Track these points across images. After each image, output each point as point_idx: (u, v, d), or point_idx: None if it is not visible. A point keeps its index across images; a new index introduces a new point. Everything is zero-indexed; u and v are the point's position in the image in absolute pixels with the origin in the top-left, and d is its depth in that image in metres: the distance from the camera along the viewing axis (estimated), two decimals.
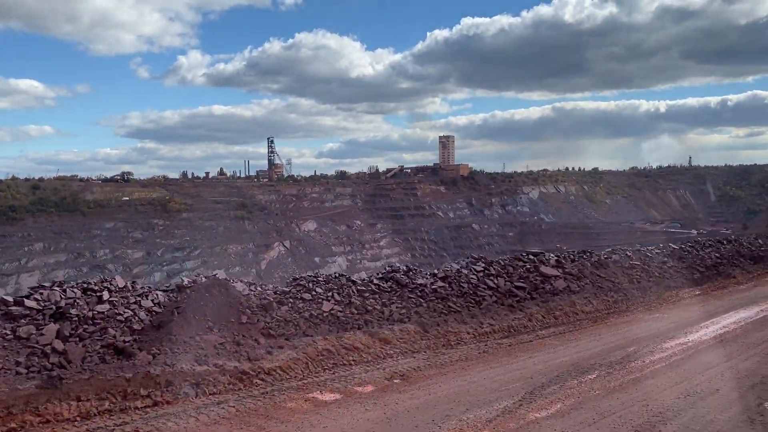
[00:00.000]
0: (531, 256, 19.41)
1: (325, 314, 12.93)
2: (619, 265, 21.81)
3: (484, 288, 16.47)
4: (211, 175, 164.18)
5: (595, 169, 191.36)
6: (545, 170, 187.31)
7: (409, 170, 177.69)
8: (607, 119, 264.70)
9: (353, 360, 11.31)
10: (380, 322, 13.50)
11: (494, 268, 17.68)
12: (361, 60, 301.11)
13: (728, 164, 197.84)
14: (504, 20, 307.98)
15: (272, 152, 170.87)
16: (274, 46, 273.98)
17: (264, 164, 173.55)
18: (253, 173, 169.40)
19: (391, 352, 12.06)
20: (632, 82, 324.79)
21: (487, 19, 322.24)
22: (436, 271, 16.77)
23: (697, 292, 21.18)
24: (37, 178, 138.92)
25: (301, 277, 14.05)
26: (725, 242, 29.59)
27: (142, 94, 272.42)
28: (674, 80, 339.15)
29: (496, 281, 16.95)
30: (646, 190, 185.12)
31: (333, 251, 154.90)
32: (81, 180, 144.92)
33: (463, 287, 16.15)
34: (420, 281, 15.36)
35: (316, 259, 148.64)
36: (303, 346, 11.13)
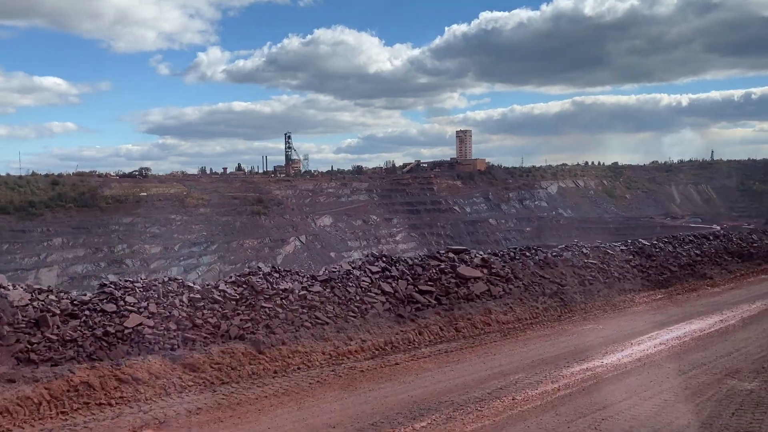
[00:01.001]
0: (451, 254, 16.29)
1: (127, 331, 10.03)
2: (570, 265, 18.60)
3: (376, 293, 13.44)
4: (228, 171, 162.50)
5: (615, 164, 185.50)
6: (564, 165, 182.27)
7: (426, 165, 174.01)
8: (627, 113, 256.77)
9: (120, 398, 8.40)
10: (209, 340, 10.57)
11: (397, 269, 14.62)
12: (380, 55, 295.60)
13: (752, 158, 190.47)
14: (523, 14, 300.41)
15: (289, 148, 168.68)
16: (293, 42, 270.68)
17: (282, 160, 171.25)
18: (271, 169, 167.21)
19: (191, 383, 9.12)
20: (654, 76, 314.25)
21: (506, 13, 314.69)
22: (318, 273, 13.77)
23: (659, 296, 17.93)
24: (56, 174, 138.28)
25: (111, 282, 11.14)
26: (711, 238, 26.11)
27: (162, 91, 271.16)
28: (697, 73, 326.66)
29: (395, 284, 13.90)
30: (666, 185, 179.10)
31: (349, 246, 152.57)
32: (99, 176, 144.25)
33: (349, 292, 13.14)
34: (285, 286, 12.36)
35: (332, 254, 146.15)
36: (48, 379, 8.22)
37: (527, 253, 18.53)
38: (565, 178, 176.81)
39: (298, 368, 10.16)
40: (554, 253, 19.20)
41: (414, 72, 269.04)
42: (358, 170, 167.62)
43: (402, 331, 12.31)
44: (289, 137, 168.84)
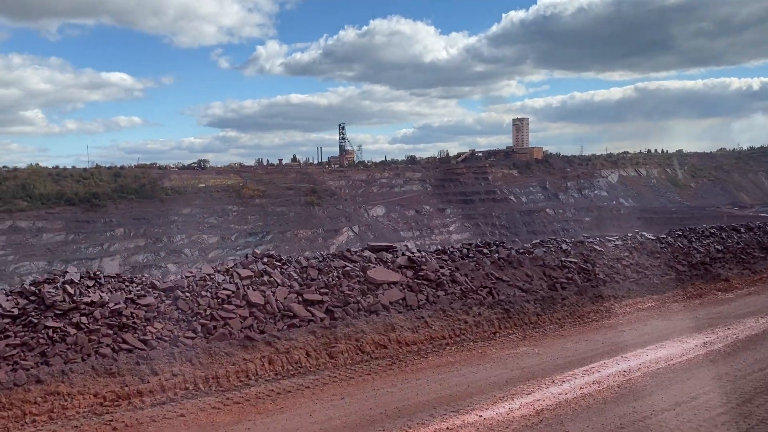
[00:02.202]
0: (367, 253, 12.93)
1: None
2: (540, 264, 14.97)
3: (237, 305, 10.28)
4: (284, 162, 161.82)
5: (680, 151, 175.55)
6: (626, 153, 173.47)
7: (481, 154, 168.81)
8: (694, 99, 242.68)
9: None
10: None
11: (283, 272, 11.40)
12: (435, 44, 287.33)
13: None
14: None
15: (343, 138, 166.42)
16: (349, 34, 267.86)
17: (337, 151, 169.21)
18: (325, 160, 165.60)
19: None
20: (722, 59, 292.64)
21: None
22: (165, 279, 10.67)
23: (647, 305, 14.14)
24: (119, 166, 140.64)
25: None
26: (743, 230, 21.72)
27: (223, 85, 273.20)
28: None
29: (270, 293, 10.70)
30: (734, 173, 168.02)
31: (401, 236, 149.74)
32: (159, 168, 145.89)
33: (200, 304, 10.03)
34: (94, 297, 9.33)
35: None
36: None
37: (485, 250, 14.97)
38: (627, 166, 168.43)
39: (34, 421, 7.12)
40: (521, 250, 15.57)
41: (470, 60, 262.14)
42: (412, 160, 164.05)
43: (245, 359, 9.12)
44: (343, 128, 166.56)
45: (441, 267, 13.20)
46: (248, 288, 10.67)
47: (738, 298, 15.03)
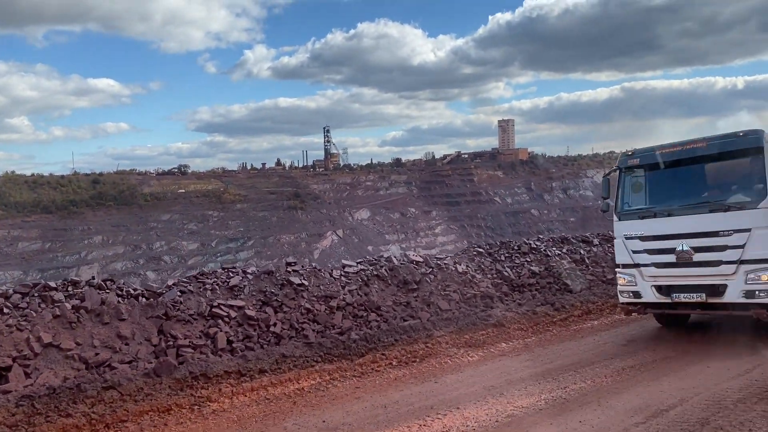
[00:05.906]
0: None
1: None
2: (161, 315, 8.80)
3: None
4: (268, 166, 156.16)
5: None
6: (612, 152, 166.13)
7: (467, 156, 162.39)
8: (680, 98, 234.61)
9: None
10: None
11: None
12: (423, 47, 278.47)
13: None
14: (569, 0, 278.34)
15: (328, 142, 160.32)
16: (337, 37, 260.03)
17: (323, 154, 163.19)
18: (310, 163, 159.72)
19: None
20: (707, 58, 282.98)
21: (552, 0, 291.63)
22: None
23: (283, 388, 7.89)
24: (98, 173, 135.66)
25: None
26: (596, 242, 15.39)
27: (210, 90, 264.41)
28: (753, 54, 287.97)
29: None
30: None
31: (386, 239, 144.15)
32: (139, 174, 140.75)
33: None
34: None
35: (369, 248, 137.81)
36: None
37: (56, 295, 8.74)
38: (613, 166, 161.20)
39: None
40: (138, 292, 9.31)
41: (458, 62, 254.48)
42: (398, 162, 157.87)
43: None
44: (328, 131, 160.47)
45: None
46: None
47: (410, 383, 8.68)
